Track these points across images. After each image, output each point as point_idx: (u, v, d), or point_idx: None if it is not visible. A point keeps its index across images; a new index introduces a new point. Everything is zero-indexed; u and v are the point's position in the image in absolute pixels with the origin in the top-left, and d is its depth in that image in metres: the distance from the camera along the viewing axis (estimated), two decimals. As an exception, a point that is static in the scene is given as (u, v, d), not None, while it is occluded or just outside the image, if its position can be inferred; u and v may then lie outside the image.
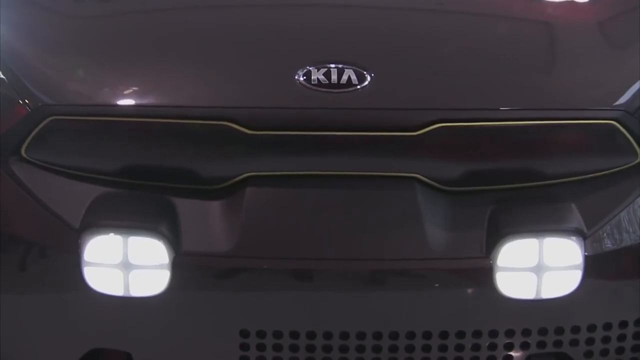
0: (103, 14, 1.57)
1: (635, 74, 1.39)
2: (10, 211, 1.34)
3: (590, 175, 1.36)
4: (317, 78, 1.31)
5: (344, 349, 1.31)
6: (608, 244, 1.33)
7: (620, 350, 1.36)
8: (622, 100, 1.36)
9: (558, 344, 1.34)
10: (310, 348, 1.31)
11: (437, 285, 1.32)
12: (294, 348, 1.31)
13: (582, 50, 1.46)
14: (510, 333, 1.32)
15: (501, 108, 1.35)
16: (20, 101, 1.34)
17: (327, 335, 1.30)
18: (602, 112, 1.35)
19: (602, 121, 1.34)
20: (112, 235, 1.24)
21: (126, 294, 1.25)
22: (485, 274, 1.26)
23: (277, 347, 1.31)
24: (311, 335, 1.30)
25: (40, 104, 1.33)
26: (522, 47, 1.47)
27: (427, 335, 1.30)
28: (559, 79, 1.42)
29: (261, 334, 1.30)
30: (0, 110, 1.36)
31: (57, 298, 1.35)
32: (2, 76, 1.37)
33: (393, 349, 1.31)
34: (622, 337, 1.35)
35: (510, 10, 1.57)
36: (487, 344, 1.32)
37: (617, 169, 1.36)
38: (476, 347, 1.32)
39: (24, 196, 1.32)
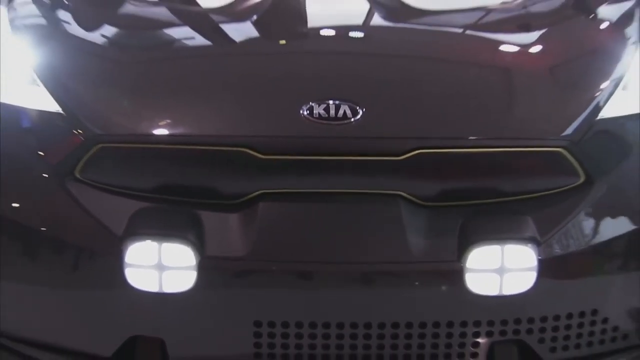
0: (143, 60, 1.57)
1: (579, 110, 1.40)
2: (67, 221, 1.36)
3: (543, 193, 1.37)
4: (318, 112, 1.32)
5: (340, 336, 1.32)
6: (557, 250, 1.33)
7: (566, 338, 1.37)
8: (569, 131, 1.37)
9: (517, 332, 1.35)
10: (312, 336, 1.31)
11: (417, 283, 1.32)
12: (298, 335, 1.31)
13: (537, 90, 1.46)
14: (477, 323, 1.33)
15: (470, 137, 1.36)
16: (75, 132, 1.36)
17: (326, 325, 1.31)
18: (553, 142, 1.36)
19: (552, 149, 1.36)
20: (148, 242, 1.25)
21: (160, 290, 1.25)
22: (456, 275, 1.26)
23: (285, 335, 1.31)
24: (313, 325, 1.31)
25: (91, 134, 1.35)
26: (487, 87, 1.48)
27: (409, 325, 1.31)
28: (517, 114, 1.42)
29: (272, 324, 1.31)
30: (61, 139, 1.39)
31: (104, 293, 1.36)
32: (62, 112, 1.39)
33: (381, 336, 1.32)
34: (568, 327, 1.36)
35: (476, 58, 1.58)
36: (458, 333, 1.33)
37: (564, 188, 1.37)
38: (449, 335, 1.33)
39: (77, 209, 1.34)
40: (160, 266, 1.24)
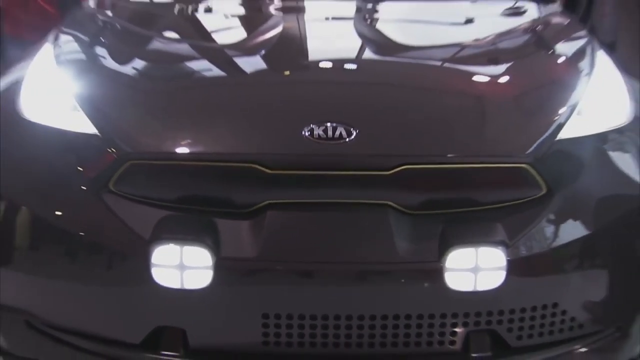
0: (167, 89, 1.58)
1: (541, 132, 1.41)
2: (102, 228, 1.35)
3: (511, 202, 1.37)
4: (318, 133, 1.33)
5: (336, 326, 1.31)
6: (523, 252, 1.33)
7: (531, 327, 1.37)
8: (532, 150, 1.37)
9: (489, 323, 1.35)
10: (313, 326, 1.31)
11: (403, 281, 1.32)
12: (301, 326, 1.31)
13: (504, 114, 1.47)
14: (455, 315, 1.33)
15: (448, 155, 1.37)
16: (109, 150, 1.36)
17: (325, 317, 1.30)
18: (518, 159, 1.37)
19: (518, 165, 1.36)
20: (172, 245, 1.24)
21: (181, 287, 1.25)
22: (437, 273, 1.26)
23: (289, 326, 1.31)
24: (313, 317, 1.30)
25: (123, 152, 1.35)
26: (463, 112, 1.48)
27: (396, 317, 1.31)
28: (488, 135, 1.43)
29: (277, 316, 1.31)
30: (97, 157, 1.39)
31: (133, 290, 1.35)
32: (98, 134, 1.40)
33: (372, 327, 1.32)
34: (533, 318, 1.36)
35: (453, 87, 1.59)
36: (438, 323, 1.33)
37: (529, 198, 1.37)
38: (431, 325, 1.33)
39: (111, 217, 1.34)
40: (182, 266, 1.24)
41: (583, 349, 1.45)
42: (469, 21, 2.02)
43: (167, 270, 1.25)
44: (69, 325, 1.42)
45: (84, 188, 1.37)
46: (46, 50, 1.69)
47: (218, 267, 1.25)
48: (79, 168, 1.40)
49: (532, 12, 2.07)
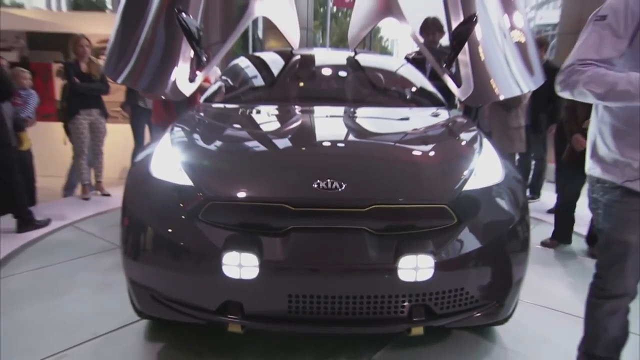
0: (232, 158, 1.51)
1: (454, 186, 1.36)
2: (194, 241, 1.29)
3: (437, 227, 1.31)
4: (322, 185, 1.29)
5: (332, 302, 1.26)
6: (444, 257, 1.27)
7: (448, 302, 1.31)
8: (449, 197, 1.33)
9: (424, 300, 1.29)
10: (319, 302, 1.26)
11: (372, 275, 1.26)
12: (311, 302, 1.26)
13: (433, 175, 1.41)
14: (404, 296, 1.28)
15: (400, 199, 1.32)
16: (198, 194, 1.32)
17: (325, 297, 1.26)
18: (441, 202, 1.32)
19: (441, 206, 1.32)
20: (234, 252, 1.20)
21: (240, 278, 1.21)
22: (393, 271, 1.22)
23: (304, 302, 1.26)
24: (319, 296, 1.26)
25: (207, 196, 1.31)
26: (409, 174, 1.42)
27: (368, 297, 1.26)
28: (424, 187, 1.36)
29: (297, 296, 1.26)
30: (191, 198, 1.33)
31: (212, 278, 1.28)
32: (192, 185, 1.36)
33: (354, 303, 1.26)
34: (449, 297, 1.31)
35: (402, 158, 1.53)
36: (394, 301, 1.28)
37: (446, 225, 1.32)
38: (389, 302, 1.27)
39: (199, 234, 1.29)
40: (240, 265, 1.20)
41: (478, 314, 1.40)
42: (408, 119, 1.99)
43: (232, 267, 1.20)
44: (175, 298, 1.36)
45: (184, 217, 1.32)
46: (166, 136, 1.66)
47: (262, 266, 1.21)
48: (181, 205, 1.34)
49: (445, 115, 2.04)
